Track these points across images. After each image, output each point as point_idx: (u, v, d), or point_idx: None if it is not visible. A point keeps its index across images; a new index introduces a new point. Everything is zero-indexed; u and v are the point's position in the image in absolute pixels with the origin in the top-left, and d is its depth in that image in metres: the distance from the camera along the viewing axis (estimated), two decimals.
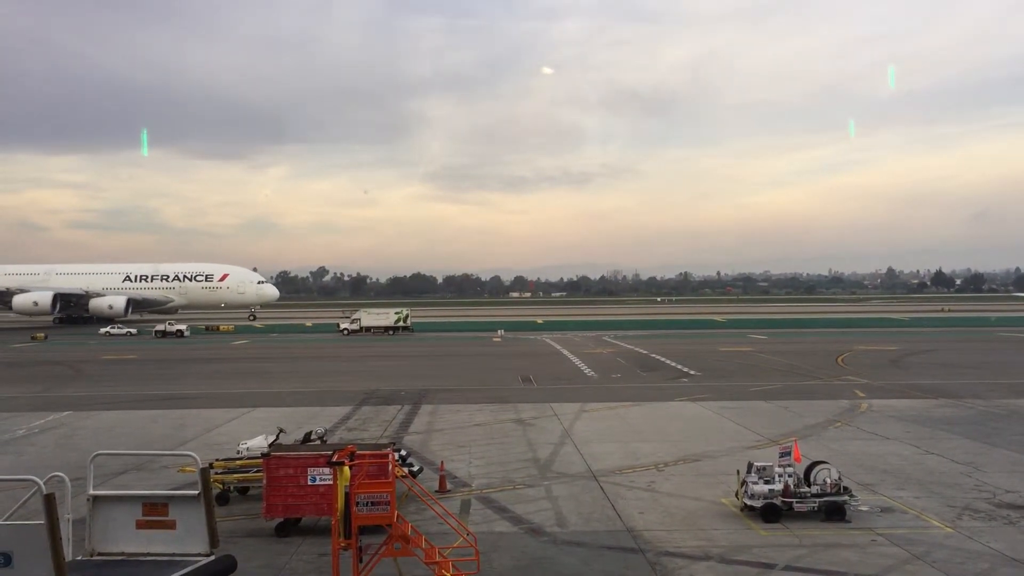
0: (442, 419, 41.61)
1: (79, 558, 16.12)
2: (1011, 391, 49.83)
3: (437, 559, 17.97)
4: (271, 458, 23.18)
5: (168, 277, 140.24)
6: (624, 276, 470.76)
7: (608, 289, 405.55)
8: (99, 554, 16.36)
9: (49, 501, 13.34)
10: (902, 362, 66.61)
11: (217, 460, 27.22)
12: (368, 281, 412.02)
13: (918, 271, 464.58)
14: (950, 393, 48.49)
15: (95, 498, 16.62)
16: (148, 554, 16.17)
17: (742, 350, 77.97)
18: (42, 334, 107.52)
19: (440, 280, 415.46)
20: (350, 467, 18.19)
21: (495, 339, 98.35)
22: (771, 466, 24.51)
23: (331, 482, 18.92)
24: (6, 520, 14.38)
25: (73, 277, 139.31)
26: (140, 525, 16.44)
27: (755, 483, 24.03)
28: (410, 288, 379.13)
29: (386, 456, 20.81)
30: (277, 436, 28.58)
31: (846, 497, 23.88)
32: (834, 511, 23.61)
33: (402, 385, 54.32)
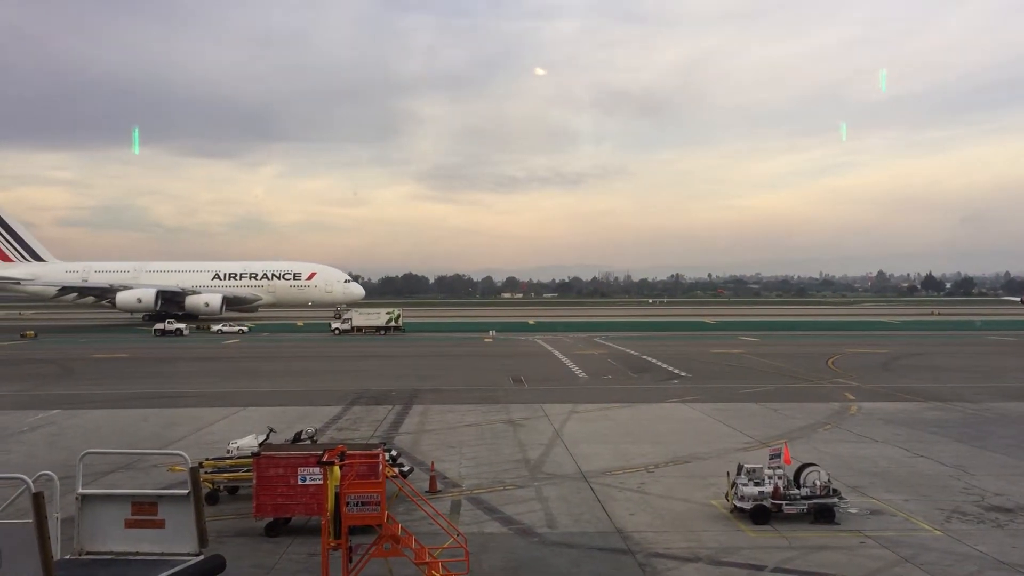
0: (433, 419, 41.58)
1: (67, 557, 16.07)
2: (1000, 394, 50.08)
3: (427, 559, 17.97)
4: (261, 458, 23.12)
5: (257, 275, 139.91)
6: (615, 277, 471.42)
7: (599, 290, 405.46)
8: (88, 553, 16.30)
9: (37, 500, 13.29)
10: (892, 365, 66.85)
11: (207, 459, 27.16)
12: (359, 281, 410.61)
13: (908, 274, 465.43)
14: (939, 396, 48.68)
15: (84, 497, 16.56)
16: (137, 553, 16.13)
17: (733, 352, 78.12)
18: (32, 332, 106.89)
19: (432, 280, 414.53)
20: (340, 467, 18.17)
21: (486, 340, 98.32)
22: (761, 468, 24.57)
23: (321, 482, 18.90)
24: None
25: (163, 275, 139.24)
26: (129, 524, 16.39)
27: (745, 485, 24.09)
28: (402, 288, 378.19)
29: (376, 456, 20.79)
30: (267, 436, 28.54)
31: (835, 499, 23.95)
32: (823, 513, 23.68)
33: (393, 385, 54.27)
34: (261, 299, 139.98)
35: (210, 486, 25.86)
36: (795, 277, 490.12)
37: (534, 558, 21.01)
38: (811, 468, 24.70)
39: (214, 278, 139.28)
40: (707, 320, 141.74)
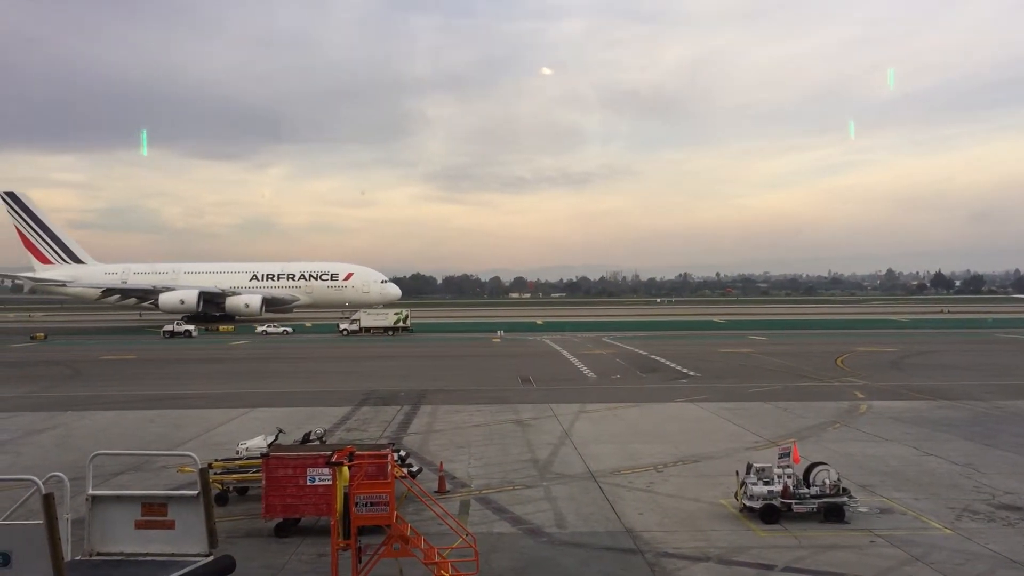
0: (441, 420, 41.60)
1: (78, 558, 16.12)
2: (1010, 392, 49.83)
3: (436, 559, 17.97)
4: (270, 458, 23.18)
5: (294, 276, 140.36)
6: (623, 277, 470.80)
7: (607, 290, 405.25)
8: (98, 554, 16.36)
9: (48, 501, 13.33)
10: (901, 363, 66.61)
11: (216, 460, 27.19)
12: None
13: (917, 272, 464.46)
14: (949, 395, 48.49)
15: (94, 498, 16.61)
16: (147, 554, 16.17)
17: (741, 351, 77.95)
18: (42, 334, 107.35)
19: (439, 281, 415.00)
20: (349, 467, 18.19)
21: (494, 340, 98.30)
22: (770, 467, 24.51)
23: (330, 482, 18.92)
24: (5, 520, 14.38)
25: (201, 276, 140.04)
26: (139, 525, 16.43)
27: (754, 484, 24.03)
28: (409, 288, 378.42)
29: (385, 456, 20.81)
30: (276, 436, 28.59)
31: (845, 498, 23.88)
32: (833, 512, 23.61)
33: (401, 386, 54.30)
34: (299, 300, 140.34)
35: (219, 487, 25.90)
36: (804, 276, 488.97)
37: (543, 558, 21.00)
38: (821, 467, 24.63)
39: (252, 279, 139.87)
40: (715, 319, 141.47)
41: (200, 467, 17.21)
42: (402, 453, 28.53)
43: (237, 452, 28.07)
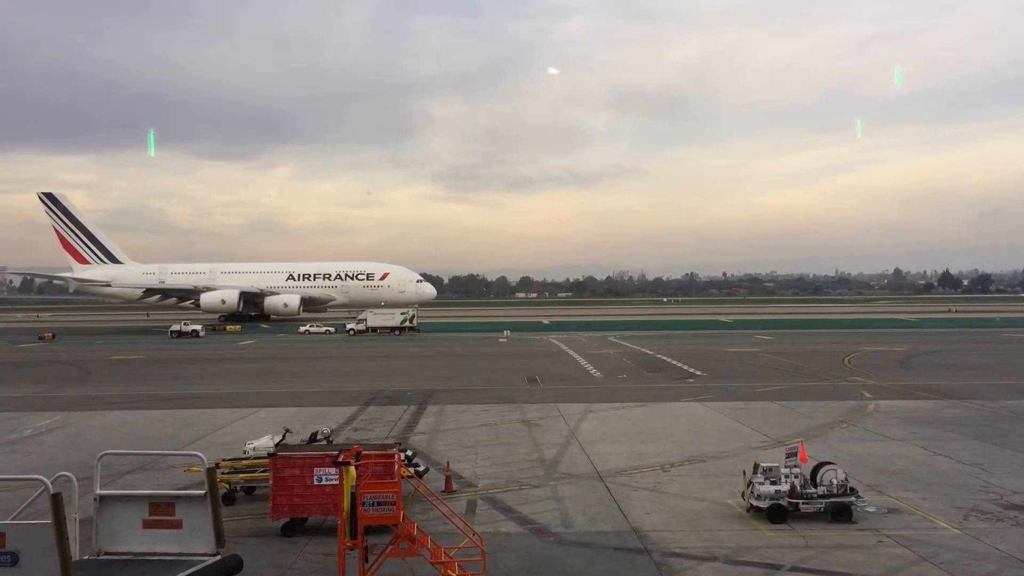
0: (448, 419, 41.62)
1: (86, 557, 16.14)
2: (1018, 392, 49.65)
3: (443, 559, 17.98)
4: (277, 458, 23.22)
5: (330, 276, 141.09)
6: (630, 276, 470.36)
7: (614, 289, 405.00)
8: (106, 553, 16.38)
9: (56, 500, 13.35)
10: (909, 363, 66.41)
11: (223, 460, 27.26)
12: None
13: (925, 272, 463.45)
14: (957, 394, 48.33)
15: (102, 498, 16.63)
16: (154, 554, 16.19)
17: (748, 351, 77.82)
18: (50, 334, 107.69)
19: (446, 280, 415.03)
20: (356, 467, 18.21)
21: (501, 339, 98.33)
22: (777, 467, 24.45)
23: (337, 482, 18.93)
24: (13, 519, 14.41)
25: (237, 276, 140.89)
26: (146, 525, 16.45)
27: (761, 484, 23.99)
28: None
29: (392, 456, 20.82)
30: (283, 436, 28.64)
31: (852, 498, 23.81)
32: (840, 512, 23.55)
33: (408, 385, 54.34)
34: (335, 299, 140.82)
35: (227, 486, 25.96)
36: (810, 275, 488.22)
37: (550, 558, 21.00)
38: (828, 467, 24.56)
39: (288, 279, 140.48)
40: (722, 319, 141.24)
41: (207, 467, 17.22)
42: (409, 453, 28.55)
43: (244, 452, 28.14)
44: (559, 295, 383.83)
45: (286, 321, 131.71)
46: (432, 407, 45.40)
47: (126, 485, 27.67)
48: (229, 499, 25.82)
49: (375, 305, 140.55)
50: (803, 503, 23.64)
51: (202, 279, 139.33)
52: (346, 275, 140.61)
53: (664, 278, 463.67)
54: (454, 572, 17.86)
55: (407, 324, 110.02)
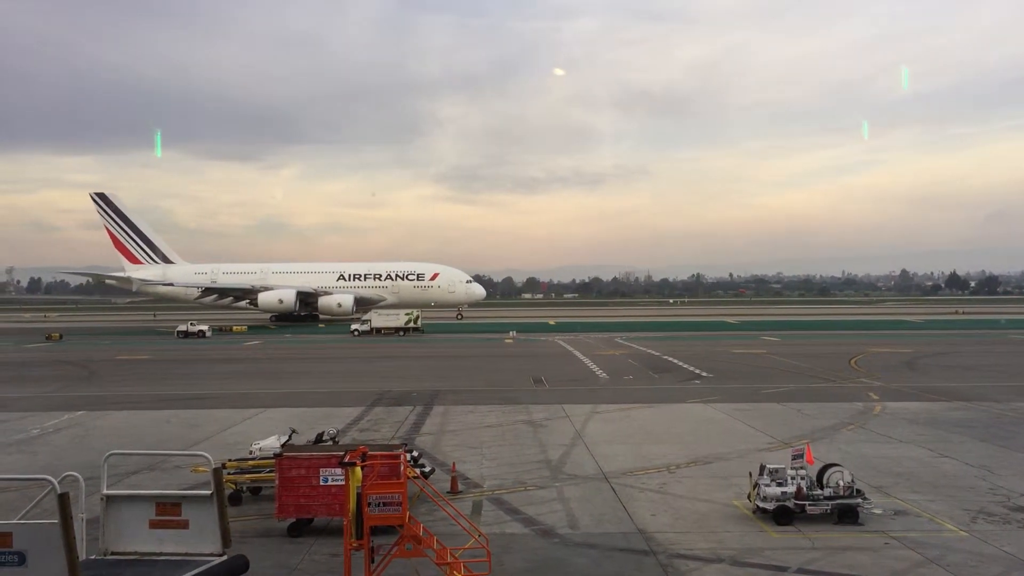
0: (454, 420, 41.64)
1: (93, 557, 16.21)
2: None
3: (449, 560, 17.99)
4: (283, 458, 23.25)
5: (381, 276, 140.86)
6: (636, 277, 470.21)
7: (620, 290, 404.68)
8: (112, 553, 16.44)
9: (63, 500, 13.41)
10: (916, 364, 66.21)
11: (230, 460, 27.30)
12: None
13: (932, 273, 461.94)
14: (964, 396, 48.17)
15: (109, 497, 16.70)
16: (161, 553, 16.25)
17: (754, 352, 77.66)
18: (57, 334, 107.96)
19: None
20: (362, 468, 18.23)
21: (507, 340, 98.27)
22: (783, 468, 24.41)
23: (343, 483, 18.97)
24: (21, 519, 14.48)
25: (288, 275, 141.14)
26: (153, 525, 16.51)
27: (767, 485, 23.95)
28: None
29: (398, 457, 20.85)
30: (289, 437, 28.67)
31: (859, 500, 23.77)
32: (847, 514, 23.50)
33: (414, 386, 54.35)
34: (385, 299, 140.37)
35: (233, 487, 26.02)
36: (817, 276, 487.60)
37: (556, 559, 20.99)
38: (834, 468, 24.53)
39: (339, 279, 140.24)
40: (728, 320, 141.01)
41: (214, 467, 17.27)
42: (415, 453, 28.57)
43: (250, 452, 28.17)
44: (565, 296, 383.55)
45: (337, 321, 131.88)
46: (438, 408, 45.41)
47: (133, 485, 27.73)
48: (235, 499, 25.87)
49: (425, 306, 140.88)
50: (809, 505, 23.59)
51: (254, 279, 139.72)
52: (396, 275, 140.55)
53: (670, 279, 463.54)
54: (460, 573, 17.87)
55: (411, 325, 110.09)
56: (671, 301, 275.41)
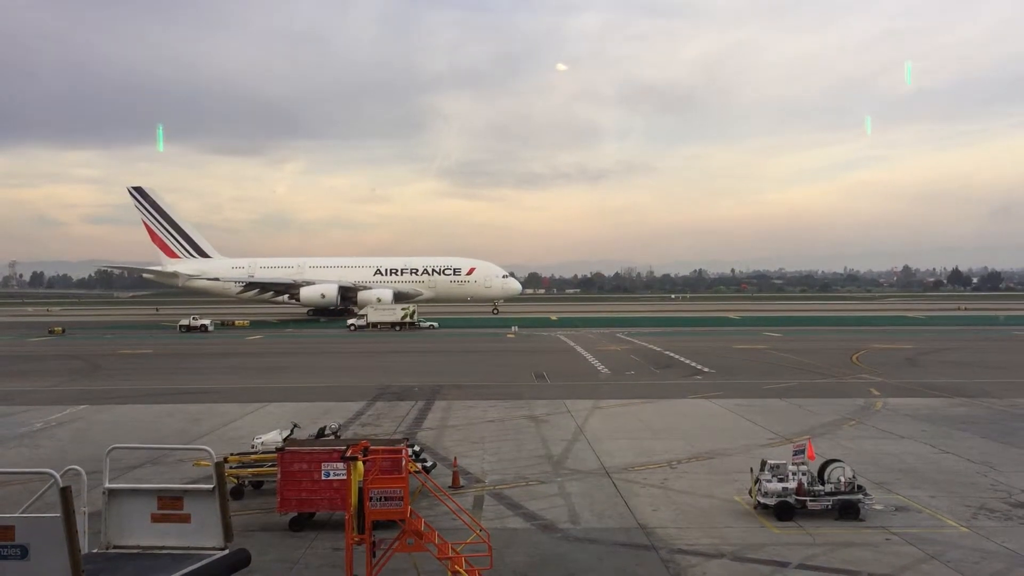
0: (455, 415, 41.67)
1: (95, 551, 16.22)
2: None
3: (450, 554, 18.01)
4: (285, 453, 23.29)
5: (417, 271, 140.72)
6: (638, 273, 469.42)
7: (622, 286, 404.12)
8: (114, 547, 16.45)
9: (65, 494, 13.41)
10: (918, 360, 66.19)
11: (232, 454, 27.35)
12: None
13: (934, 269, 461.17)
14: (966, 392, 48.15)
15: (111, 491, 16.69)
16: (163, 547, 16.25)
17: (756, 347, 77.67)
18: (59, 328, 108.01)
19: None
20: (364, 462, 18.24)
21: (509, 335, 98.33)
22: (785, 464, 24.41)
23: (345, 477, 18.98)
24: (23, 513, 14.48)
25: (326, 270, 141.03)
26: (155, 518, 16.51)
27: (769, 481, 23.95)
28: None
29: (399, 451, 20.88)
30: (291, 431, 28.71)
31: (860, 496, 23.77)
32: (848, 510, 23.51)
33: (415, 381, 54.39)
34: (422, 294, 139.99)
35: (235, 481, 26.06)
36: (819, 272, 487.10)
37: (557, 553, 21.02)
38: (836, 464, 24.53)
39: (375, 273, 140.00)
40: (730, 315, 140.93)
41: (216, 461, 17.27)
42: (416, 448, 28.58)
43: (252, 446, 28.20)
44: (567, 291, 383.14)
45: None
46: (440, 403, 45.44)
47: (135, 479, 27.75)
48: (237, 493, 25.91)
49: (461, 300, 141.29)
50: (810, 500, 23.61)
51: (292, 273, 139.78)
52: (433, 270, 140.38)
53: (672, 275, 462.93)
54: (461, 567, 17.89)
55: (407, 320, 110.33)
56: (673, 297, 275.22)
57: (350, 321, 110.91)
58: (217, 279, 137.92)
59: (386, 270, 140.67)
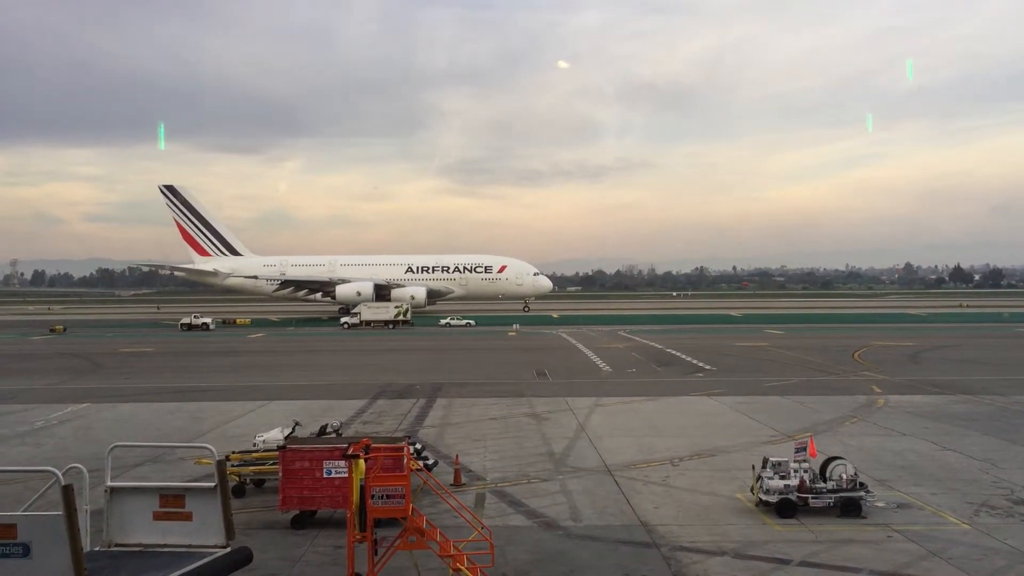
0: (457, 413, 41.67)
1: (97, 549, 16.22)
2: None
3: (452, 552, 18.01)
4: (287, 451, 23.29)
5: (449, 268, 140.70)
6: (639, 271, 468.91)
7: (623, 284, 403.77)
8: (116, 545, 16.45)
9: (67, 492, 13.41)
10: (919, 358, 66.15)
11: (233, 452, 27.37)
12: None
13: (936, 266, 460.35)
14: (967, 389, 48.12)
15: (113, 489, 16.70)
16: (165, 545, 16.25)
17: (758, 345, 77.63)
18: (61, 326, 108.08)
19: None
20: (365, 460, 18.24)
21: (510, 333, 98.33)
22: (786, 461, 24.41)
23: (346, 475, 18.98)
24: (25, 511, 14.49)
25: (357, 268, 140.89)
26: (157, 516, 16.51)
27: (770, 478, 23.95)
28: None
29: (401, 449, 20.88)
30: (293, 429, 28.73)
31: (862, 493, 23.76)
32: (850, 507, 23.50)
33: (417, 379, 54.40)
34: (454, 292, 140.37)
35: (236, 479, 26.07)
36: (821, 269, 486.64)
37: (559, 551, 21.02)
38: (837, 461, 24.51)
39: (407, 271, 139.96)
40: (732, 313, 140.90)
41: (217, 459, 17.27)
42: (418, 446, 28.61)
43: (254, 444, 28.22)
44: (568, 289, 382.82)
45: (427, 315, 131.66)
46: (441, 400, 45.44)
47: (137, 477, 27.77)
48: (239, 491, 25.93)
49: (492, 298, 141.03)
50: (812, 498, 23.60)
51: (324, 271, 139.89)
52: (464, 268, 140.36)
53: (674, 272, 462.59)
54: (463, 565, 17.89)
55: (401, 318, 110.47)
56: (674, 294, 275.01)
57: (344, 319, 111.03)
58: (255, 277, 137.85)
59: (417, 268, 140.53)
